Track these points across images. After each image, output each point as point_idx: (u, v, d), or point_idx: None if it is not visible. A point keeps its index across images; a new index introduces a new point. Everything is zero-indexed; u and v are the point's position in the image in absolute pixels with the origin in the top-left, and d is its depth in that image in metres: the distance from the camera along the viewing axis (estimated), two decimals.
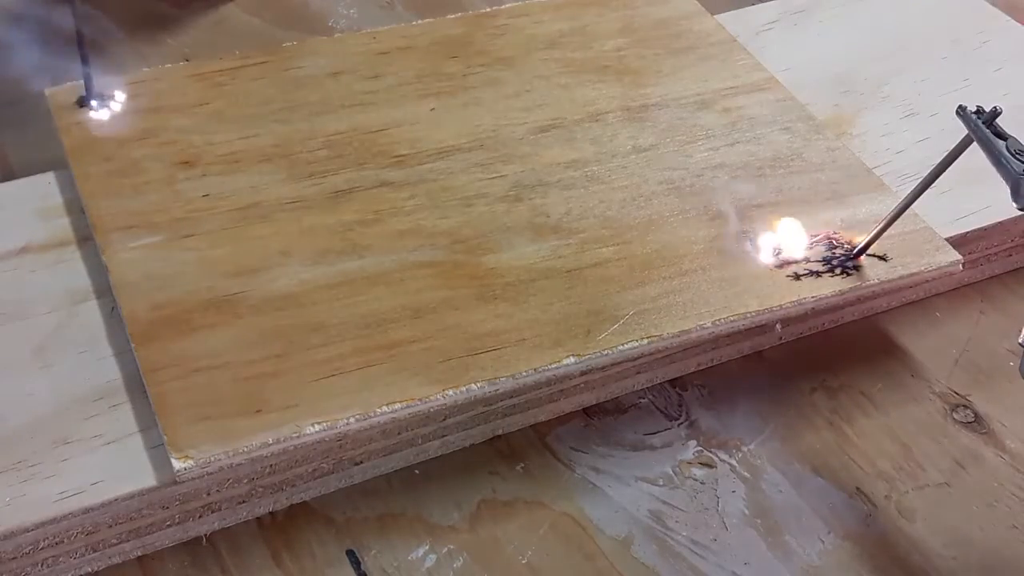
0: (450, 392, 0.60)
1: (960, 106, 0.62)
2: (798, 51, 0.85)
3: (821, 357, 0.70)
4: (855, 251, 0.68)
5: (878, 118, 0.80)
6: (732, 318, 0.65)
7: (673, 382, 0.68)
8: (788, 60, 0.83)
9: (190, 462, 0.56)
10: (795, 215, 0.71)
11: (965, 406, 0.68)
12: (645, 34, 0.84)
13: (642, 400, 0.68)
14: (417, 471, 0.63)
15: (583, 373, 0.65)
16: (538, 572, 0.60)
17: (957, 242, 0.70)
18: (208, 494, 0.59)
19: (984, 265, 0.75)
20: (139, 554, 0.59)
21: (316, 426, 0.58)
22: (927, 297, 0.74)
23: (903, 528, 0.62)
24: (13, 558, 0.56)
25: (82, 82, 0.75)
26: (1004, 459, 0.66)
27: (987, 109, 0.61)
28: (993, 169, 0.60)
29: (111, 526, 0.58)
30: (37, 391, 0.61)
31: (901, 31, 0.87)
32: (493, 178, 0.73)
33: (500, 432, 0.65)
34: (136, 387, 0.61)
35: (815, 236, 0.69)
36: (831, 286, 0.66)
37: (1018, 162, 0.59)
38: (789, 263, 0.68)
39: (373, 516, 0.62)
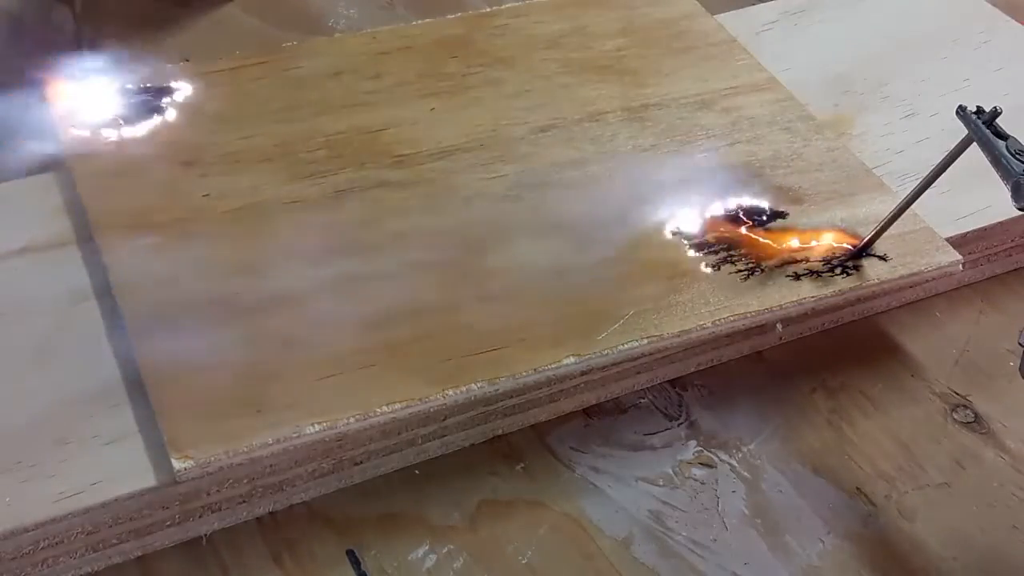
0: (450, 392, 0.60)
1: (960, 106, 0.62)
2: (798, 51, 0.85)
3: (821, 357, 0.70)
4: (855, 251, 0.68)
5: (878, 118, 0.80)
6: (732, 318, 0.65)
7: (673, 382, 0.68)
8: (788, 60, 0.83)
9: (190, 462, 0.56)
10: (795, 215, 0.71)
11: (965, 406, 0.68)
12: (645, 34, 0.84)
13: (642, 400, 0.68)
14: (417, 471, 0.63)
15: (583, 373, 0.65)
16: (538, 572, 0.60)
17: (957, 242, 0.70)
18: (208, 494, 0.59)
19: (984, 265, 0.75)
20: (139, 554, 0.59)
21: (316, 426, 0.58)
22: (927, 297, 0.74)
23: (903, 528, 0.62)
24: (13, 558, 0.56)
25: (82, 82, 0.75)
26: (1004, 459, 0.66)
27: (987, 109, 0.61)
28: (993, 169, 0.60)
29: (111, 526, 0.58)
30: (37, 391, 0.61)
31: (901, 31, 0.87)
32: (493, 178, 0.73)
33: (500, 432, 0.65)
34: (136, 387, 0.61)
35: (815, 236, 0.69)
36: (831, 286, 0.66)
37: (1018, 162, 0.59)
38: (789, 263, 0.68)
39: (373, 516, 0.62)
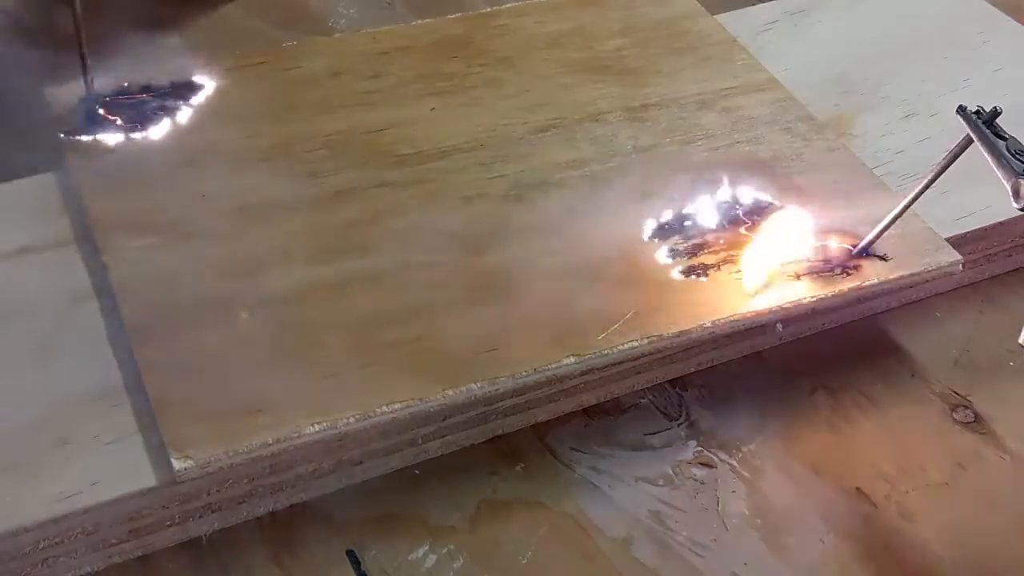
0: (450, 392, 0.60)
1: (960, 106, 0.62)
2: (798, 51, 0.85)
3: (821, 357, 0.70)
4: (855, 251, 0.68)
5: (878, 118, 0.80)
6: (732, 318, 0.65)
7: (673, 382, 0.68)
8: (788, 60, 0.83)
9: (190, 462, 0.56)
10: (795, 215, 0.71)
11: (965, 406, 0.68)
12: (645, 34, 0.84)
13: (642, 400, 0.68)
14: (417, 471, 0.63)
15: (583, 373, 0.65)
16: (538, 572, 0.60)
17: (957, 242, 0.70)
18: (208, 494, 0.59)
19: (984, 265, 0.75)
20: (139, 554, 0.59)
21: (316, 426, 0.58)
22: (927, 297, 0.74)
23: (903, 528, 0.62)
24: (13, 558, 0.56)
25: (82, 82, 0.75)
26: (1004, 459, 0.65)
27: (987, 109, 0.61)
28: (993, 169, 0.60)
29: (111, 526, 0.58)
30: (37, 391, 0.61)
31: (901, 31, 0.87)
32: (493, 178, 0.73)
33: (500, 432, 0.65)
34: (136, 387, 0.61)
35: (815, 236, 0.69)
36: (831, 286, 0.66)
37: (1018, 162, 0.59)
38: (789, 263, 0.68)
39: (373, 516, 0.62)
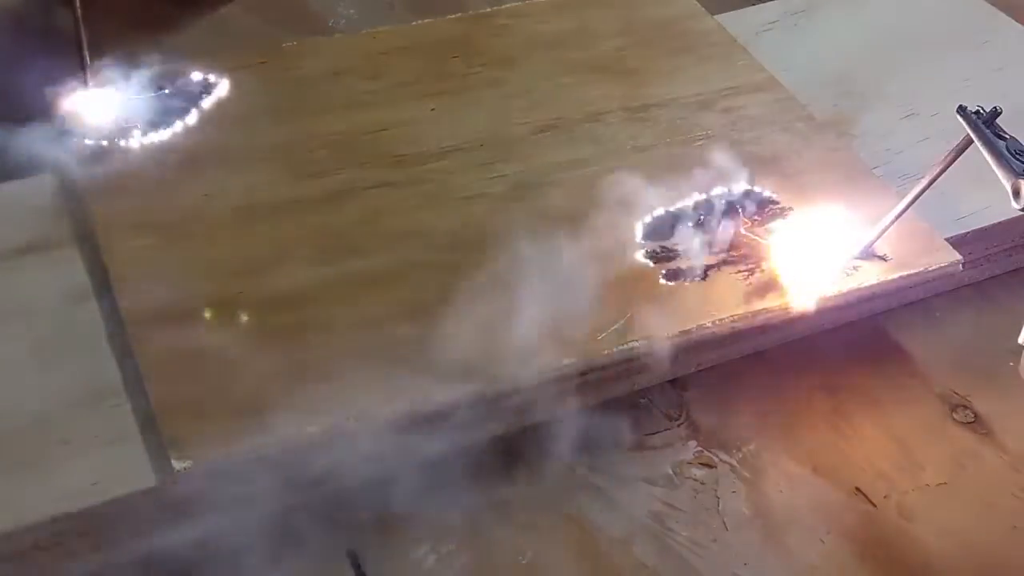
0: (451, 392, 0.60)
1: (960, 106, 0.62)
2: (798, 51, 0.85)
3: (821, 357, 0.70)
4: (856, 251, 0.68)
5: (878, 118, 0.80)
6: (732, 318, 0.65)
7: (673, 382, 0.68)
8: (788, 60, 0.83)
9: (190, 462, 0.56)
10: (795, 215, 0.71)
11: (965, 406, 0.68)
12: (645, 34, 0.84)
13: (642, 400, 0.67)
14: (418, 471, 0.63)
15: (583, 373, 0.65)
16: (538, 572, 0.60)
17: (957, 242, 0.70)
18: (209, 492, 0.59)
19: (984, 265, 0.75)
20: (141, 553, 0.59)
21: (316, 426, 0.58)
22: (927, 297, 0.74)
23: (903, 528, 0.62)
24: (13, 558, 0.56)
25: (82, 82, 0.75)
26: (1004, 459, 0.65)
27: (987, 109, 0.61)
28: (993, 169, 0.60)
29: (111, 526, 0.58)
30: (37, 391, 0.61)
31: (901, 31, 0.87)
32: (493, 178, 0.73)
33: (502, 431, 0.65)
34: (136, 387, 0.61)
35: (815, 236, 0.69)
36: (831, 286, 0.66)
37: (1018, 162, 0.59)
38: (789, 263, 0.68)
39: (373, 516, 0.62)
